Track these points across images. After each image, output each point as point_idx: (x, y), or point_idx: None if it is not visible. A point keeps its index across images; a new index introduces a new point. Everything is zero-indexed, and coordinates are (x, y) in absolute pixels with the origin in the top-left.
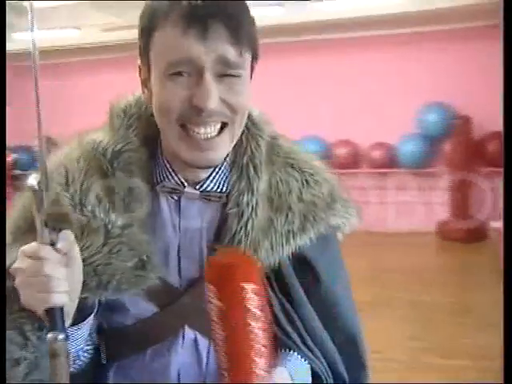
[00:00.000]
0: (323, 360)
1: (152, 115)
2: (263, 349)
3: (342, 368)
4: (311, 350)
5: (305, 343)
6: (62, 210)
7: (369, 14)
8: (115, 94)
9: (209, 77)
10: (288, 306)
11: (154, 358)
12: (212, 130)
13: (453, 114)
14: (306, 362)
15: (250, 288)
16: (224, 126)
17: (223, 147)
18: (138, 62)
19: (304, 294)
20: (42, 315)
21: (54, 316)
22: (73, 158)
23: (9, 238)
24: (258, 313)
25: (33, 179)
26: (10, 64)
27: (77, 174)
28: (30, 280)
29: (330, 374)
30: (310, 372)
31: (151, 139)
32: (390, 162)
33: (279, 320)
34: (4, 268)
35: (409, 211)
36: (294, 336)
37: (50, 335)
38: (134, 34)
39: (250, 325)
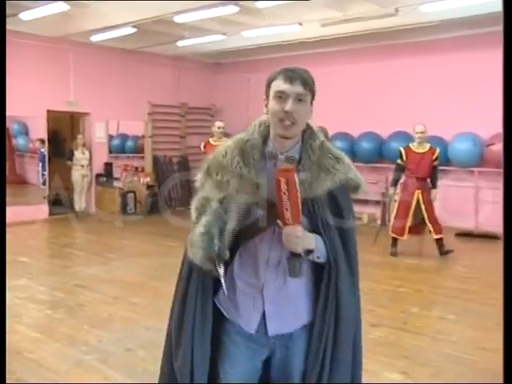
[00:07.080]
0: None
1: (263, 124)
2: (288, 208)
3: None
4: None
5: (325, 233)
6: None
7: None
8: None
9: (291, 100)
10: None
11: (261, 241)
12: (289, 123)
13: None
14: (323, 243)
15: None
16: (293, 124)
17: (294, 130)
18: (264, 97)
19: (331, 213)
20: None
21: None
22: (228, 146)
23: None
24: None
25: None
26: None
27: (229, 151)
28: None
29: (331, 254)
30: (324, 248)
31: (263, 135)
32: None
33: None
34: (4, 266)
35: None
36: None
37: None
38: (353, 28)
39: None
